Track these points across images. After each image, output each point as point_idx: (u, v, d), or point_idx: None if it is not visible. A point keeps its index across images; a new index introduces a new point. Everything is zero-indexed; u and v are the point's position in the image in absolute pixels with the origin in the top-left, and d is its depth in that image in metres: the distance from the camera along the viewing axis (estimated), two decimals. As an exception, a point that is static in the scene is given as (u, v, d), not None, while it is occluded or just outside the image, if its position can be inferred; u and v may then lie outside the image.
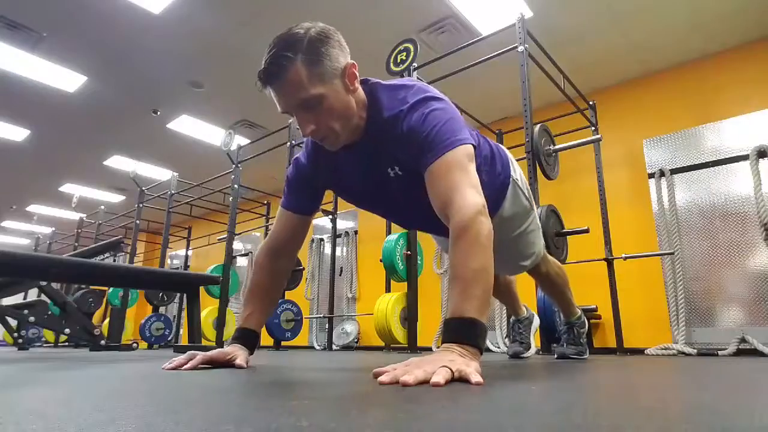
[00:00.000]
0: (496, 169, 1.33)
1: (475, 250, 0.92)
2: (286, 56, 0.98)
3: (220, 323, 4.01)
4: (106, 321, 6.29)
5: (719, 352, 2.96)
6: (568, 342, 1.91)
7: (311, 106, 1.01)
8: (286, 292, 4.81)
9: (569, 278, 2.01)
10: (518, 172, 1.46)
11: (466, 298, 0.88)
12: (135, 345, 3.79)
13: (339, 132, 1.06)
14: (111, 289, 5.85)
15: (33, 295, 4.64)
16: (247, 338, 1.26)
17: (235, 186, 4.41)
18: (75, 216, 7.45)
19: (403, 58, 3.13)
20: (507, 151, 1.48)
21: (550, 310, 2.45)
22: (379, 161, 1.14)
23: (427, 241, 3.20)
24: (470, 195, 0.97)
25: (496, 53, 2.92)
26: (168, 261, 6.79)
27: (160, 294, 6.18)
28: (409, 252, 3.44)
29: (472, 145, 1.05)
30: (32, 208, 8.43)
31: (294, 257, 1.37)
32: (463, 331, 0.86)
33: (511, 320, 2.16)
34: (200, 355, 1.14)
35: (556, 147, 2.90)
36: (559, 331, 1.99)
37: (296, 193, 1.29)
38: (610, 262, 3.24)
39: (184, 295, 3.73)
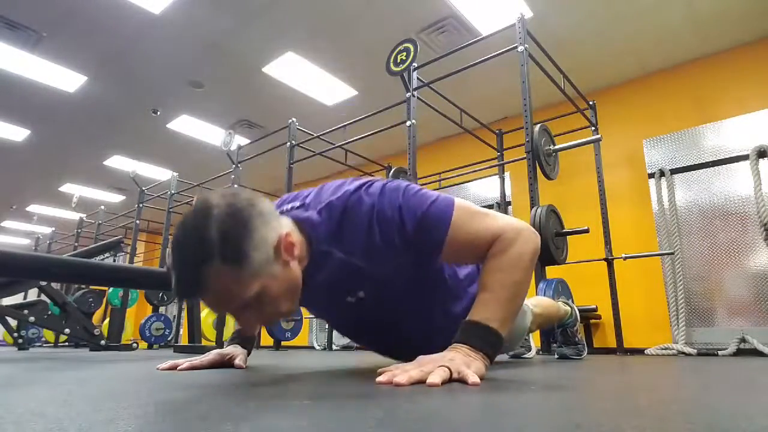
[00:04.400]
0: None
1: (515, 266, 0.88)
2: (200, 270, 0.76)
3: (220, 323, 4.01)
4: (106, 321, 6.27)
5: (719, 352, 2.95)
6: (565, 342, 1.92)
7: (249, 305, 0.84)
8: (286, 292, 4.81)
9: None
10: None
11: (491, 307, 0.85)
12: (135, 345, 3.79)
13: (289, 309, 0.91)
14: (111, 289, 5.83)
15: (33, 295, 4.64)
16: (245, 338, 1.27)
17: (235, 186, 4.41)
18: (75, 216, 7.44)
19: (403, 58, 3.13)
20: None
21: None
22: (335, 292, 1.01)
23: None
24: (503, 220, 0.92)
25: (496, 53, 2.92)
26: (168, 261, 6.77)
27: (160, 294, 6.17)
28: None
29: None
30: (32, 208, 8.43)
31: None
32: (476, 335, 0.83)
33: None
34: (198, 361, 1.14)
35: (556, 147, 2.90)
36: (556, 333, 2.00)
37: None
38: (610, 262, 3.24)
39: (184, 295, 3.71)
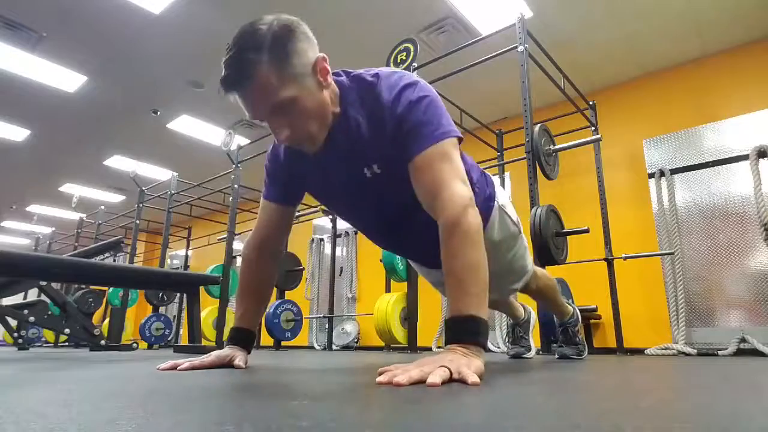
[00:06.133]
0: (485, 193, 1.28)
1: (467, 245, 0.90)
2: (249, 58, 0.90)
3: (220, 323, 4.01)
4: (106, 321, 6.28)
5: (719, 352, 2.96)
6: (565, 342, 1.92)
7: (283, 110, 0.94)
8: (286, 292, 4.82)
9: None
10: (504, 197, 1.40)
11: (463, 295, 0.87)
12: (135, 345, 3.79)
13: (316, 134, 0.99)
14: (111, 289, 5.84)
15: (33, 295, 4.64)
16: (244, 338, 1.26)
17: (235, 186, 4.41)
18: (75, 216, 7.45)
19: (403, 58, 3.13)
20: (492, 178, 1.42)
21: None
22: (355, 160, 1.06)
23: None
24: (458, 188, 0.94)
25: (496, 53, 2.92)
26: (168, 261, 6.78)
27: (160, 294, 6.18)
28: (409, 252, 3.43)
29: (458, 137, 1.01)
30: (32, 208, 8.43)
31: (281, 250, 1.30)
32: (462, 330, 0.85)
33: (509, 323, 2.16)
34: (198, 361, 1.14)
35: (556, 147, 2.90)
36: (557, 332, 2.00)
37: (277, 184, 1.22)
38: (610, 262, 3.24)
39: (184, 295, 3.72)
